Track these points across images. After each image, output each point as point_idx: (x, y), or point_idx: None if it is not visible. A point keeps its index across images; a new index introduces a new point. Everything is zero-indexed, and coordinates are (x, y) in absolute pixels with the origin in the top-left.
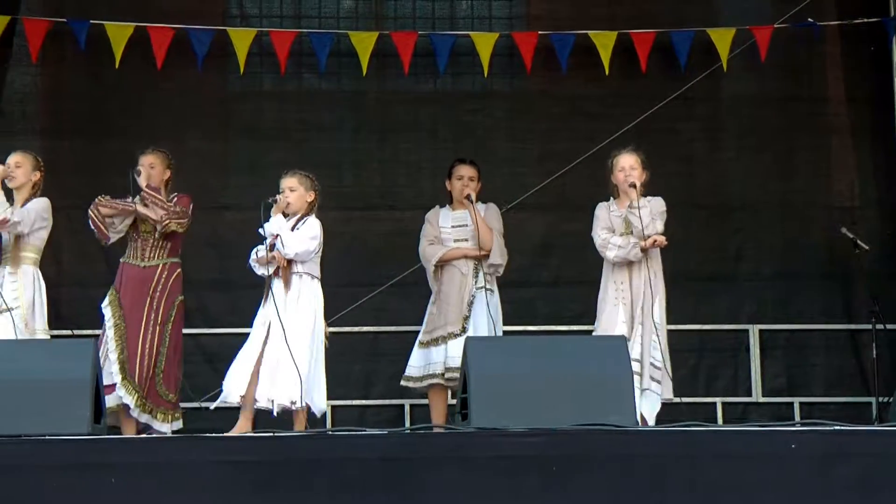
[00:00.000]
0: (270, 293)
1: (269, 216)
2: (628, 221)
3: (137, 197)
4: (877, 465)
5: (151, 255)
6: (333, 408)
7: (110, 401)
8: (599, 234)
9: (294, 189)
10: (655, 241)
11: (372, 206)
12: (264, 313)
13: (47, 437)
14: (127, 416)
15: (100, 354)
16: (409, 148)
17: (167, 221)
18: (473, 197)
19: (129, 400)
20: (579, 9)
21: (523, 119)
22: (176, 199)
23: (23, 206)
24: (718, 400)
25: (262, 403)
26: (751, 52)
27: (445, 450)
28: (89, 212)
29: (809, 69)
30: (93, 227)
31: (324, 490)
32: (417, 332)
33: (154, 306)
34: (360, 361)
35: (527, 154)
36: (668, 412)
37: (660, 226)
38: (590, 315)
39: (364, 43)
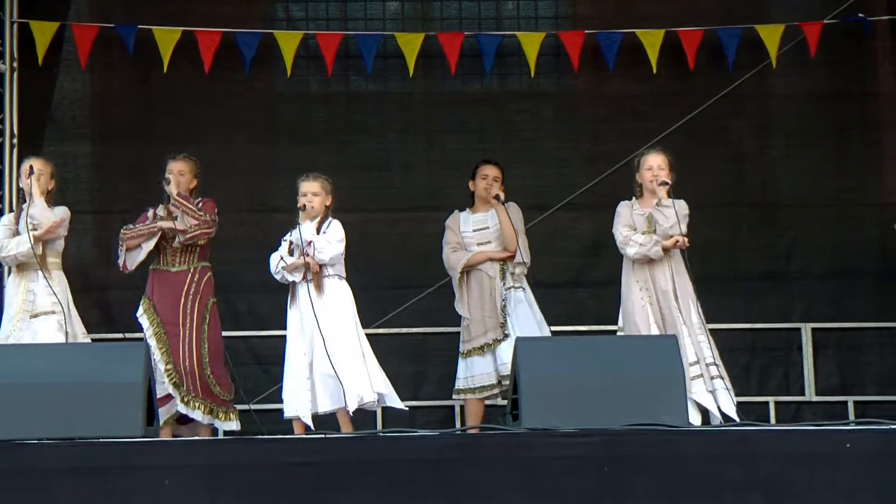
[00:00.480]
0: (308, 299)
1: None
2: (651, 220)
3: (161, 208)
4: None
5: (182, 259)
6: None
7: (166, 412)
8: (621, 231)
9: (317, 194)
10: (678, 241)
11: (420, 208)
12: (300, 320)
13: (101, 440)
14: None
15: None
16: (457, 149)
17: (196, 232)
18: (502, 196)
19: (184, 408)
20: (626, 7)
21: (571, 119)
22: (202, 203)
23: None
24: (771, 399)
25: (360, 404)
26: (800, 49)
27: (496, 450)
28: (120, 248)
29: (859, 65)
30: (119, 260)
31: (374, 491)
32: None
33: (188, 310)
34: (410, 362)
35: (575, 154)
36: None
37: (683, 227)
38: None
39: (410, 44)
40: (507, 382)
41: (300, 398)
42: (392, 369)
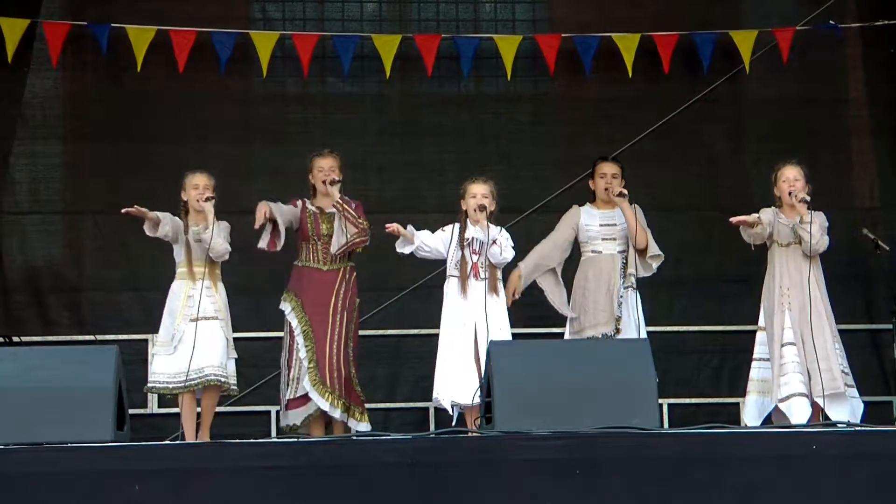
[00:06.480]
0: (481, 296)
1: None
2: (797, 233)
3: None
4: None
5: (333, 259)
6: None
7: (303, 412)
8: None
9: (486, 196)
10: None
11: (396, 210)
12: (464, 313)
13: (70, 445)
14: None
15: (283, 362)
16: (433, 151)
17: (356, 240)
18: (626, 193)
19: (325, 404)
20: (602, 11)
21: (546, 122)
22: (355, 207)
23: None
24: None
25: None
26: (773, 55)
27: (469, 453)
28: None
29: (831, 71)
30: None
31: (349, 495)
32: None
33: (338, 308)
34: (385, 364)
35: (550, 157)
36: (690, 415)
37: (827, 240)
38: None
39: (387, 46)
40: None
41: (460, 387)
42: (367, 371)
